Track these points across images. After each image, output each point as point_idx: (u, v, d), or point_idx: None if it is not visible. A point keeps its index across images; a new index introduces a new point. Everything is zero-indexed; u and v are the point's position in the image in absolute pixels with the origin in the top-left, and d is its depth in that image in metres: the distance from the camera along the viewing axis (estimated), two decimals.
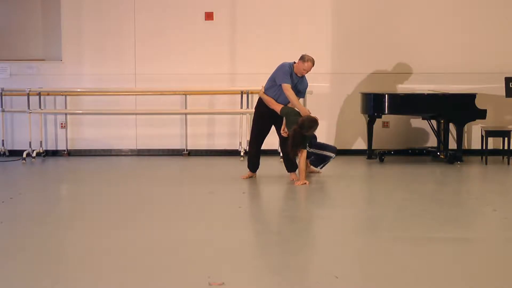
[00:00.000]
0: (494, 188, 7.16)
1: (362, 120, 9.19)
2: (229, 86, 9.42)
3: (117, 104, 9.43)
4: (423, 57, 9.27)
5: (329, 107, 9.33)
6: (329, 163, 7.51)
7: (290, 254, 4.38)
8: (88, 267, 4.11)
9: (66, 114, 9.47)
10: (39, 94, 9.23)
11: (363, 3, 9.34)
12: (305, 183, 6.92)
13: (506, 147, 8.60)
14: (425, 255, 4.34)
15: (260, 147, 7.39)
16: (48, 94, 9.38)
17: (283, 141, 7.25)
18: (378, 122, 9.03)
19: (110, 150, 9.53)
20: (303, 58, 7.14)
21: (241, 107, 9.27)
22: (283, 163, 7.43)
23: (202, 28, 9.38)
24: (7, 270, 4.01)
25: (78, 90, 9.46)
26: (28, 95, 9.12)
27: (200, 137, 9.49)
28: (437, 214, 5.60)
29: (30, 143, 9.17)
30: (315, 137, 7.53)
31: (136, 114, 9.50)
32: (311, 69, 7.20)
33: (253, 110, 9.25)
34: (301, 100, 7.46)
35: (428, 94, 8.82)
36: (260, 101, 7.37)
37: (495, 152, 8.92)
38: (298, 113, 7.11)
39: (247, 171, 7.43)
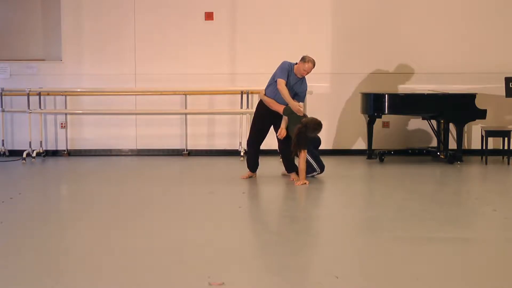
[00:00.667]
0: (494, 188, 7.16)
1: (362, 120, 9.19)
2: (229, 86, 9.42)
3: (117, 104, 9.43)
4: (423, 57, 9.28)
5: (329, 107, 9.33)
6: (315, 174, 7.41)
7: (290, 254, 4.38)
8: (88, 267, 4.11)
9: (66, 114, 9.47)
10: (39, 94, 9.23)
11: (363, 3, 9.34)
12: (305, 183, 6.92)
13: (506, 147, 8.61)
14: (425, 255, 4.34)
15: (259, 147, 7.39)
16: (48, 94, 9.38)
17: (281, 142, 7.24)
18: (378, 122, 9.03)
19: (110, 150, 9.53)
20: (303, 59, 7.15)
21: (241, 107, 9.27)
22: (282, 164, 7.44)
23: (202, 28, 9.38)
24: (7, 270, 4.01)
25: (78, 90, 9.46)
26: (28, 95, 9.12)
27: (200, 137, 9.49)
28: (437, 214, 5.60)
29: (30, 143, 9.17)
30: (319, 141, 7.55)
31: (136, 114, 9.50)
32: (311, 70, 7.21)
33: (253, 110, 9.29)
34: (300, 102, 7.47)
35: (428, 94, 8.82)
36: (261, 102, 7.37)
37: (495, 152, 8.93)
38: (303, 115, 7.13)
39: (247, 171, 7.43)
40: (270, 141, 7.72)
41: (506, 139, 8.59)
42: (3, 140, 9.40)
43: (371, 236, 4.98)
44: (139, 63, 9.43)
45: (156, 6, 9.39)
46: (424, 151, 9.07)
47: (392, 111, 8.68)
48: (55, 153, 9.52)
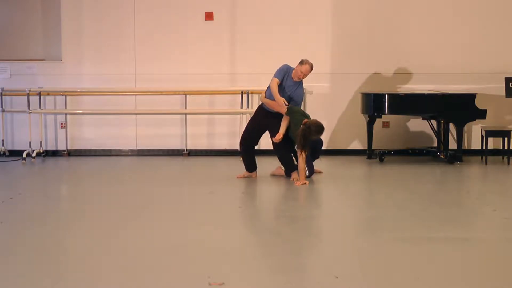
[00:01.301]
0: (494, 188, 7.16)
1: (362, 120, 9.19)
2: (229, 86, 9.42)
3: (117, 104, 9.44)
4: (423, 57, 9.28)
5: (329, 107, 9.33)
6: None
7: (290, 254, 4.38)
8: (88, 267, 4.11)
9: (66, 114, 9.47)
10: (39, 94, 9.23)
11: (363, 3, 9.34)
12: (305, 183, 6.92)
13: (506, 147, 8.60)
14: (425, 255, 4.34)
15: (251, 146, 7.40)
16: (48, 94, 9.39)
17: (276, 144, 7.23)
18: (378, 122, 9.03)
19: (110, 150, 9.53)
20: (301, 62, 7.19)
21: (241, 107, 9.27)
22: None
23: (202, 28, 9.38)
24: (7, 270, 4.01)
25: (78, 90, 9.46)
26: (28, 95, 9.12)
27: (200, 137, 9.49)
28: (437, 214, 5.60)
29: (30, 143, 9.17)
30: (321, 143, 7.55)
31: (136, 114, 9.51)
32: (308, 73, 7.23)
33: (253, 110, 9.29)
34: (301, 107, 7.49)
35: (428, 94, 8.82)
36: (261, 106, 7.39)
37: (495, 152, 8.93)
38: (304, 114, 7.13)
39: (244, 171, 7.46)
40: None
41: (506, 139, 8.59)
42: (3, 140, 9.40)
43: (371, 236, 4.98)
44: (139, 63, 9.43)
45: (156, 6, 9.40)
46: (424, 151, 9.07)
47: (392, 111, 8.68)
48: (55, 153, 9.52)
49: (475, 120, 8.76)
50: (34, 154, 9.08)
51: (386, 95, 8.60)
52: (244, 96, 9.27)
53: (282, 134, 7.11)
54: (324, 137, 7.68)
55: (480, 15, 9.31)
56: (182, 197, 6.55)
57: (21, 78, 9.41)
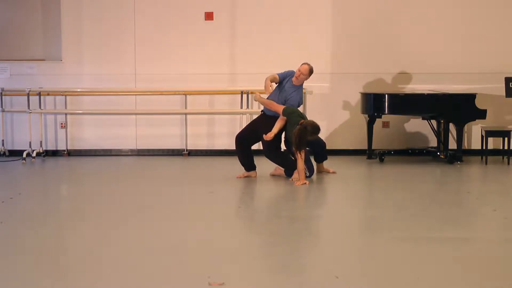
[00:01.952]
0: (494, 188, 7.16)
1: (362, 120, 9.19)
2: (229, 86, 9.42)
3: (117, 104, 9.43)
4: (423, 57, 9.27)
5: (329, 107, 9.33)
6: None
7: (290, 254, 4.38)
8: (88, 267, 4.11)
9: (66, 114, 9.47)
10: (39, 94, 9.23)
11: (363, 3, 9.34)
12: (305, 183, 6.92)
13: (506, 147, 8.60)
14: (425, 255, 4.34)
15: (245, 146, 7.41)
16: (48, 94, 9.38)
17: (265, 145, 7.24)
18: (378, 122, 9.02)
19: (110, 150, 9.53)
20: (302, 63, 7.25)
21: (241, 107, 9.27)
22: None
23: (202, 28, 9.38)
24: (7, 270, 4.01)
25: (78, 90, 9.46)
26: (28, 95, 9.12)
27: (200, 137, 9.49)
28: (437, 214, 5.60)
29: (30, 143, 9.17)
30: (324, 145, 7.56)
31: (136, 114, 9.51)
32: (306, 72, 7.26)
33: (253, 110, 9.33)
34: (300, 107, 7.51)
35: (428, 94, 8.82)
36: (264, 113, 7.40)
37: (495, 152, 8.93)
38: (301, 115, 7.12)
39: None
40: None
41: (506, 139, 8.59)
42: (3, 140, 9.40)
43: (371, 236, 4.98)
44: (139, 63, 9.43)
45: (156, 6, 9.40)
46: (424, 151, 9.07)
47: (392, 111, 8.67)
48: (55, 153, 9.52)
49: (475, 120, 8.75)
50: (34, 154, 9.08)
51: (386, 95, 8.60)
52: (244, 96, 9.26)
53: (273, 134, 7.09)
54: (324, 137, 7.71)
55: (480, 15, 9.30)
56: (182, 197, 6.55)
57: (21, 78, 9.41)
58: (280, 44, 9.27)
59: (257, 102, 9.50)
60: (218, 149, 9.46)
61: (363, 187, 7.46)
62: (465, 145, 9.20)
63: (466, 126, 8.90)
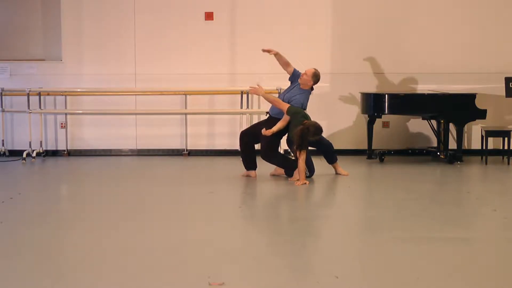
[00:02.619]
0: (494, 188, 7.16)
1: (362, 120, 9.19)
2: (229, 86, 9.42)
3: (117, 104, 9.44)
4: (423, 57, 9.28)
5: (329, 107, 9.33)
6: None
7: (290, 254, 4.38)
8: (88, 267, 4.11)
9: (66, 114, 9.47)
10: (39, 94, 9.23)
11: (363, 3, 9.34)
12: (305, 183, 6.92)
13: (506, 147, 8.61)
14: (425, 255, 4.34)
15: (247, 143, 7.42)
16: (48, 94, 9.39)
17: (265, 147, 7.26)
18: (378, 122, 9.03)
19: (110, 150, 9.53)
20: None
21: (241, 107, 9.27)
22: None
23: (202, 28, 9.39)
24: (7, 270, 4.01)
25: (78, 90, 9.46)
26: (28, 95, 9.12)
27: (200, 137, 9.49)
28: (437, 214, 5.60)
29: (30, 143, 9.17)
30: (330, 145, 7.57)
31: (136, 114, 9.51)
32: (310, 75, 7.29)
33: (253, 110, 9.33)
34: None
35: (428, 94, 8.82)
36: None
37: (495, 152, 8.93)
38: (305, 116, 7.12)
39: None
40: None
41: (506, 139, 8.59)
42: (3, 140, 9.40)
43: (371, 236, 4.98)
44: (139, 63, 9.43)
45: (156, 6, 9.40)
46: (424, 151, 9.07)
47: (392, 111, 8.68)
48: (55, 153, 9.52)
49: (475, 120, 8.76)
50: (34, 154, 9.08)
51: (386, 95, 8.61)
52: (244, 96, 9.26)
53: (272, 131, 7.11)
54: (324, 137, 7.71)
55: (480, 15, 9.31)
56: (182, 197, 6.55)
57: (21, 78, 9.41)
58: (280, 44, 9.22)
59: (257, 102, 9.51)
60: (218, 149, 9.46)
61: (363, 187, 7.46)
62: (465, 145, 9.20)
63: (466, 126, 8.91)
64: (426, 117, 9.00)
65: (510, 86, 8.63)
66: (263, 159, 7.33)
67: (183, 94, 9.37)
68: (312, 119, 7.18)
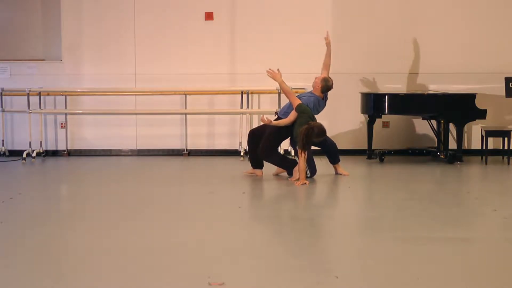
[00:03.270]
0: (494, 188, 7.16)
1: (362, 120, 9.19)
2: (229, 86, 9.42)
3: (117, 104, 9.44)
4: (423, 57, 9.28)
5: (329, 107, 9.28)
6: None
7: (290, 254, 4.38)
8: (88, 267, 4.11)
9: (66, 114, 9.47)
10: (39, 94, 9.23)
11: (363, 3, 9.34)
12: (305, 183, 6.92)
13: (506, 147, 8.61)
14: (425, 255, 4.34)
15: (255, 142, 7.42)
16: (48, 94, 9.39)
17: (264, 144, 7.27)
18: (378, 122, 9.03)
19: (110, 150, 9.53)
20: None
21: (241, 107, 9.27)
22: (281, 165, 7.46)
23: (202, 28, 9.39)
24: (7, 270, 4.01)
25: (78, 90, 9.47)
26: (28, 95, 9.12)
27: (200, 137, 9.50)
28: (437, 214, 5.60)
29: (30, 143, 9.17)
30: (334, 146, 7.59)
31: (136, 114, 9.51)
32: (319, 80, 7.43)
33: (253, 110, 9.34)
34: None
35: (428, 94, 8.82)
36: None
37: (495, 152, 8.93)
38: (312, 117, 7.13)
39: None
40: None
41: (506, 139, 8.59)
42: (3, 140, 9.40)
43: (371, 236, 4.97)
44: (139, 63, 9.43)
45: (156, 6, 9.40)
46: (424, 151, 9.07)
47: (392, 111, 8.68)
48: (55, 153, 9.52)
49: (475, 120, 8.76)
50: (34, 154, 9.08)
51: (386, 95, 8.61)
52: (244, 96, 9.26)
53: (274, 123, 7.18)
54: (329, 137, 7.74)
55: (480, 15, 9.31)
56: (182, 197, 6.55)
57: (21, 78, 9.41)
58: (280, 44, 9.27)
59: (257, 102, 9.52)
60: (218, 149, 9.46)
61: (363, 187, 7.46)
62: (465, 145, 9.21)
63: (466, 126, 8.91)
64: (426, 117, 9.00)
65: (510, 86, 8.63)
66: (260, 155, 7.33)
67: (183, 94, 9.37)
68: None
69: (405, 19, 9.31)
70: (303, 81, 9.08)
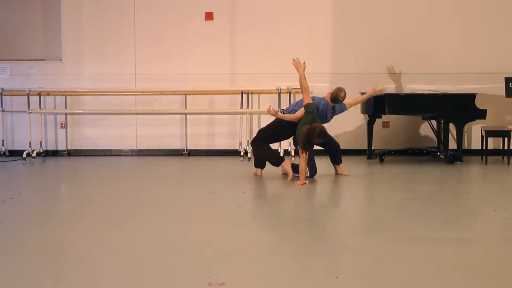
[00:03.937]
0: (494, 188, 7.16)
1: (362, 120, 9.19)
2: (229, 86, 9.42)
3: (117, 104, 9.44)
4: (423, 57, 9.28)
5: None
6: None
7: (290, 254, 4.38)
8: (88, 267, 4.11)
9: (66, 114, 9.47)
10: (39, 94, 9.23)
11: (363, 3, 9.34)
12: (305, 183, 6.92)
13: (506, 147, 8.61)
14: (425, 255, 4.34)
15: (264, 141, 7.46)
16: (48, 94, 9.39)
17: (259, 136, 7.38)
18: (378, 122, 9.03)
19: (110, 150, 9.53)
20: None
21: (241, 107, 9.27)
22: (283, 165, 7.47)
23: (202, 28, 9.39)
24: (7, 270, 4.01)
25: (78, 90, 9.47)
26: (28, 95, 9.12)
27: (200, 137, 9.50)
28: (437, 214, 5.60)
29: (30, 143, 9.17)
30: (338, 146, 7.62)
31: (136, 114, 9.51)
32: (330, 91, 7.50)
33: (253, 110, 9.34)
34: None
35: (428, 94, 8.82)
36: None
37: (495, 152, 8.93)
38: (316, 119, 7.14)
39: (249, 171, 7.51)
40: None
41: (506, 139, 8.59)
42: (3, 140, 9.40)
43: (371, 236, 4.98)
44: (139, 63, 9.44)
45: (156, 6, 9.40)
46: (424, 151, 9.07)
47: (392, 111, 8.67)
48: (55, 153, 9.52)
49: (475, 120, 8.76)
50: (34, 154, 9.08)
51: (386, 95, 8.60)
52: (244, 96, 9.27)
53: (280, 115, 7.26)
54: (333, 137, 7.75)
55: (480, 15, 9.31)
56: (182, 197, 6.55)
57: (21, 78, 9.41)
58: (280, 44, 9.27)
59: (257, 102, 9.53)
60: (218, 149, 9.47)
61: (363, 187, 7.46)
62: (465, 145, 9.21)
63: (466, 126, 8.91)
64: (426, 117, 9.00)
65: (510, 86, 8.63)
66: (251, 144, 7.53)
67: (183, 94, 9.38)
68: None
69: (405, 20, 9.31)
70: None
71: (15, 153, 9.28)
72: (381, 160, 8.76)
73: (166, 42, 9.42)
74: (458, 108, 8.60)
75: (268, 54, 9.19)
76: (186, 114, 9.46)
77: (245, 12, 9.37)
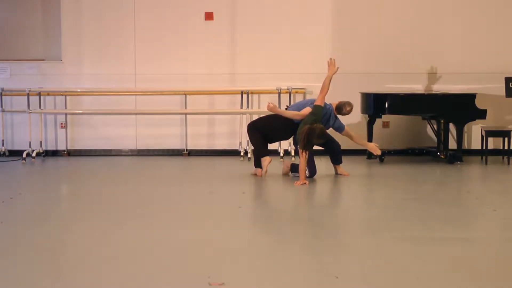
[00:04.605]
0: (494, 188, 7.16)
1: (362, 120, 9.19)
2: (229, 86, 9.42)
3: (117, 104, 9.44)
4: (423, 57, 9.28)
5: None
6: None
7: (290, 254, 4.37)
8: (88, 267, 4.11)
9: (66, 114, 9.47)
10: (39, 94, 9.23)
11: (363, 3, 9.34)
12: (305, 183, 6.92)
13: (506, 147, 8.60)
14: (425, 255, 4.34)
15: (259, 134, 7.48)
16: (48, 94, 9.39)
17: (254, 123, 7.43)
18: (378, 122, 9.03)
19: (110, 150, 9.53)
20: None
21: (241, 107, 9.27)
22: (284, 164, 7.46)
23: (202, 28, 9.39)
24: (7, 270, 4.01)
25: (78, 90, 9.46)
26: (28, 95, 9.12)
27: (200, 137, 9.50)
28: (437, 214, 5.60)
29: (30, 143, 9.17)
30: (338, 147, 7.63)
31: (136, 114, 9.51)
32: (339, 101, 7.57)
33: (253, 110, 9.34)
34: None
35: (428, 94, 8.83)
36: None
37: (495, 152, 8.93)
38: (317, 122, 7.14)
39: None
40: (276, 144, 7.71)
41: (506, 139, 8.59)
42: (3, 140, 9.40)
43: (371, 236, 4.97)
44: (139, 63, 9.43)
45: (156, 6, 9.40)
46: (424, 151, 9.07)
47: (392, 111, 8.67)
48: (55, 153, 9.52)
49: (475, 120, 8.76)
50: (34, 154, 9.08)
51: (386, 95, 8.60)
52: (244, 96, 9.26)
53: (279, 110, 7.30)
54: (334, 138, 7.75)
55: (480, 15, 9.31)
56: (182, 197, 6.55)
57: (21, 78, 9.41)
58: (280, 44, 9.27)
59: (257, 102, 9.54)
60: (218, 149, 9.46)
61: (363, 187, 7.46)
62: (465, 145, 9.20)
63: (466, 126, 8.91)
64: (426, 117, 9.00)
65: (510, 86, 8.63)
66: (247, 126, 7.64)
67: (183, 94, 9.37)
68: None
69: (405, 20, 9.30)
70: (302, 81, 9.10)
71: (15, 153, 9.28)
72: (381, 160, 8.75)
73: (166, 42, 9.42)
74: (458, 108, 8.60)
75: (268, 54, 9.19)
76: (186, 114, 9.46)
77: (245, 12, 9.37)
